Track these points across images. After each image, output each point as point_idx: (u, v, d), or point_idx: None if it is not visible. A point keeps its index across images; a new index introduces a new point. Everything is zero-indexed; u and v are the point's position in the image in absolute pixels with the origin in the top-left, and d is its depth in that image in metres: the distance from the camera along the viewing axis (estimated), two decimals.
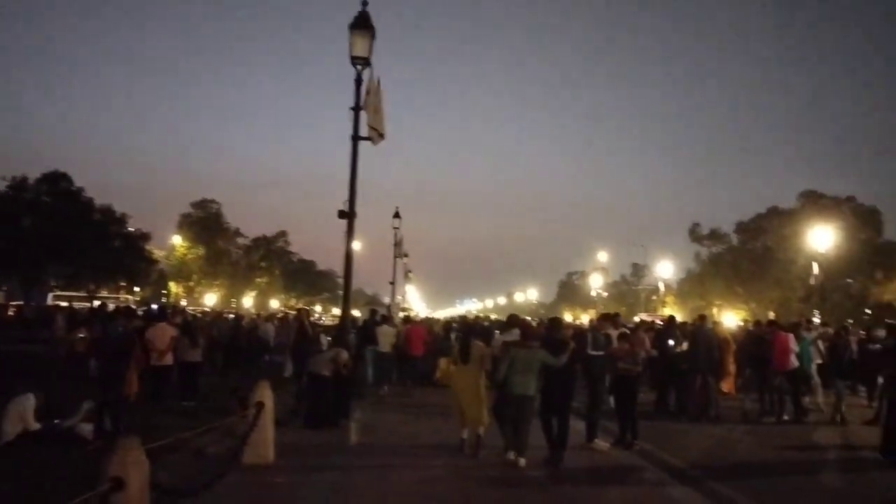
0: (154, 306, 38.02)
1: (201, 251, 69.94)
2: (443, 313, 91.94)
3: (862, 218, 52.17)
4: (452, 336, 18.64)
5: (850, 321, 32.67)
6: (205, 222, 70.42)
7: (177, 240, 69.24)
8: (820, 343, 14.46)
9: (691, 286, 63.67)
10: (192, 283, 70.62)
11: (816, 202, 52.05)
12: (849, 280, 52.36)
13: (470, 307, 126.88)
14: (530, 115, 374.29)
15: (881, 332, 17.51)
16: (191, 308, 41.93)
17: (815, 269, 36.34)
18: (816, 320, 24.10)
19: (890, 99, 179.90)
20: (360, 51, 12.89)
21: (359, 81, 12.83)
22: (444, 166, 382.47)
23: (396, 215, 34.70)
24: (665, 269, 61.67)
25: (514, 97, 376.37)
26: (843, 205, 52.31)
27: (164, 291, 70.14)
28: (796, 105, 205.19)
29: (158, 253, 62.71)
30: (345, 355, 12.17)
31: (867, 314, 49.25)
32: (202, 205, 71.29)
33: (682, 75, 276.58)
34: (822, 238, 34.63)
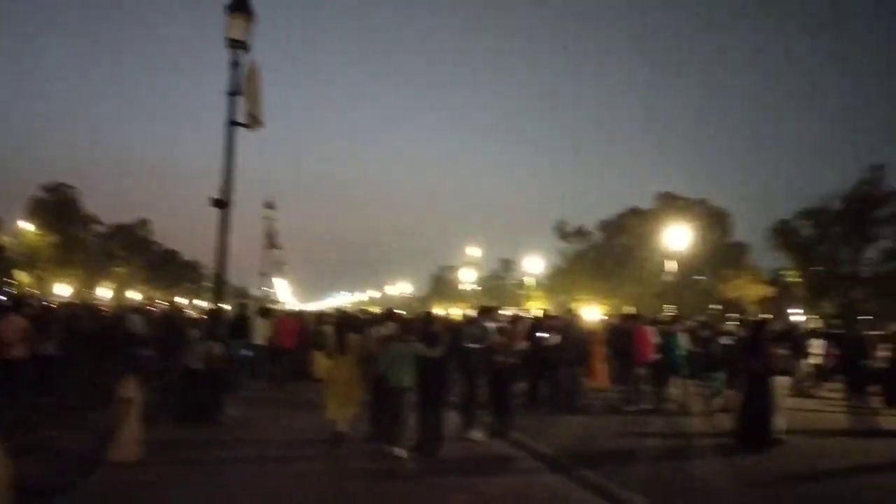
0: (2, 297, 35.22)
1: (53, 238, 65.47)
2: (314, 306, 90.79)
3: (712, 219, 55.83)
4: (327, 329, 18.43)
5: (702, 317, 34.88)
6: (58, 207, 65.95)
7: (25, 226, 64.43)
8: (682, 336, 15.33)
9: (557, 281, 65.94)
10: (42, 273, 65.98)
11: (672, 203, 55.18)
12: (700, 277, 55.97)
13: (342, 300, 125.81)
14: (404, 108, 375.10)
15: (730, 326, 18.89)
16: (43, 299, 39.17)
17: (671, 266, 38.55)
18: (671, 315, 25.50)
19: (740, 107, 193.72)
20: (237, 34, 12.50)
21: (235, 65, 12.43)
22: (318, 157, 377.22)
23: (269, 205, 33.94)
24: (532, 265, 63.50)
25: (389, 90, 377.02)
26: (696, 206, 55.70)
27: (9, 280, 65.12)
28: (655, 109, 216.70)
29: (5, 239, 58.22)
30: (218, 349, 11.81)
31: (716, 309, 52.85)
32: (55, 189, 66.74)
33: (550, 76, 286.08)
34: (676, 237, 36.75)
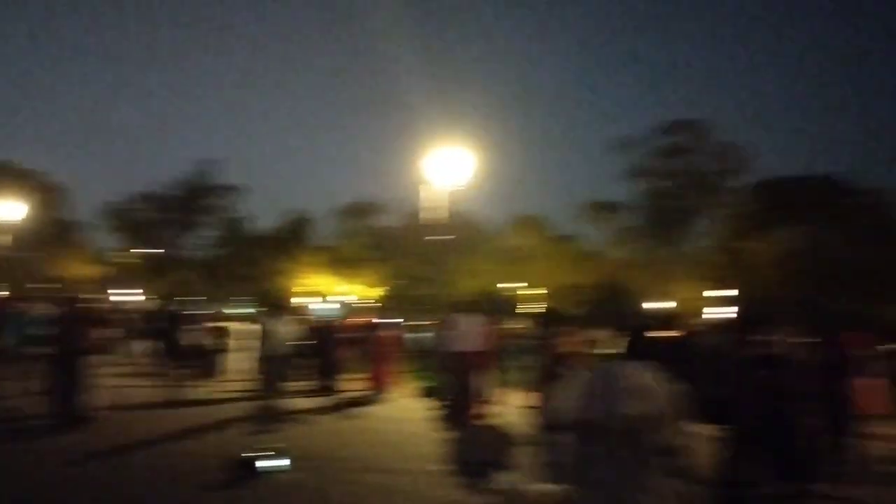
0: None
1: None
2: None
3: (47, 194, 53.25)
4: None
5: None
6: None
7: None
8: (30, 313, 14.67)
9: None
10: None
11: (7, 173, 50.93)
12: (29, 253, 52.79)
13: None
14: None
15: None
16: None
17: (4, 240, 36.03)
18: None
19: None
20: None
21: None
22: None
23: None
24: None
25: None
26: (30, 178, 52.36)
27: None
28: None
29: None
30: None
31: (49, 287, 50.61)
32: None
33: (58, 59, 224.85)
34: (9, 210, 34.66)
